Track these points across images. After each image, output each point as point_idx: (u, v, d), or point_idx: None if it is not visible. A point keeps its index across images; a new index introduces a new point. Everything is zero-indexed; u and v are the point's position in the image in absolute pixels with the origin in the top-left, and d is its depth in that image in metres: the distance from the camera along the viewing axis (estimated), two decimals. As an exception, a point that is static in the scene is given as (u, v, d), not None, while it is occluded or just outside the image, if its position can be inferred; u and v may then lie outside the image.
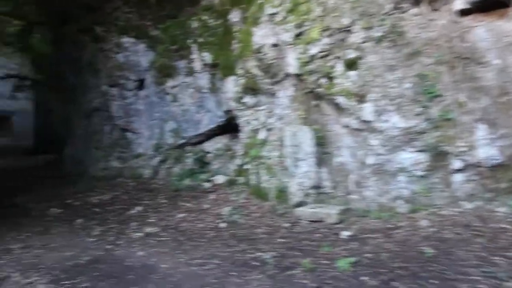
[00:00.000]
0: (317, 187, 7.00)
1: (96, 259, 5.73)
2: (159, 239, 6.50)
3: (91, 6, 11.87)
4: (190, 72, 9.83)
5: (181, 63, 9.95)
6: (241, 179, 8.43)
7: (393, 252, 5.08)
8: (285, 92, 7.61)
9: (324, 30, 6.68)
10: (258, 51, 7.74)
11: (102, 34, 11.57)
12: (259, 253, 5.47)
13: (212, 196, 8.42)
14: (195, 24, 9.72)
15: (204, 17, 9.57)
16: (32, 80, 21.26)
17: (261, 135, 8.09)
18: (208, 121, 9.94)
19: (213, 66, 9.43)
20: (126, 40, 10.85)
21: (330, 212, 6.45)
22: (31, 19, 18.70)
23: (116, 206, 8.78)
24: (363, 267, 4.73)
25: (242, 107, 8.66)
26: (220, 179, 9.21)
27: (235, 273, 4.90)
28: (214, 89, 9.60)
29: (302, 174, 7.01)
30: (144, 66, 10.65)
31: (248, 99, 8.46)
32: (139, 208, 8.29)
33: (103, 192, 10.06)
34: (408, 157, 6.29)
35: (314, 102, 7.24)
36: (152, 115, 10.67)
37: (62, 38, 14.31)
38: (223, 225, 6.88)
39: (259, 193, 7.63)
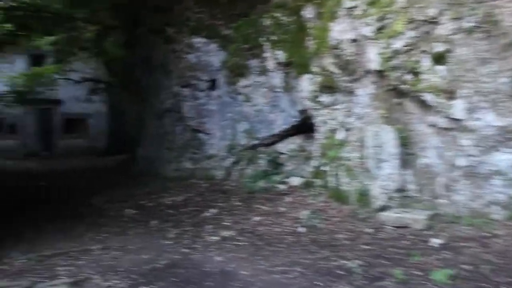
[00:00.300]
0: (401, 190, 6.57)
1: (173, 263, 5.59)
2: (236, 243, 6.29)
3: (162, 7, 11.93)
4: (263, 71, 9.62)
5: (254, 62, 9.75)
6: (318, 181, 8.08)
7: (494, 264, 4.61)
8: (365, 90, 7.23)
9: (408, 23, 6.23)
10: (335, 47, 7.40)
11: (173, 35, 11.59)
12: (344, 261, 5.13)
13: (288, 199, 8.15)
14: (267, 22, 9.49)
15: (277, 15, 9.32)
16: (106, 83, 21.85)
17: (340, 135, 7.73)
18: (282, 121, 9.69)
19: (287, 64, 9.16)
20: (198, 40, 10.79)
21: (417, 217, 6.02)
22: (106, 24, 19.19)
23: (190, 208, 8.68)
24: (462, 281, 4.30)
25: (318, 106, 8.34)
26: (295, 181, 8.92)
27: (320, 283, 4.59)
28: (288, 88, 9.33)
29: (385, 177, 6.61)
30: (216, 66, 10.54)
31: (325, 98, 8.13)
32: (214, 211, 8.14)
33: (176, 193, 10.03)
34: (504, 158, 5.75)
35: (396, 100, 6.81)
36: (224, 116, 10.54)
37: (134, 41, 14.53)
38: (302, 229, 6.59)
39: (339, 196, 7.27)
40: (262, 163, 10.02)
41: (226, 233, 6.68)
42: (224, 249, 6.02)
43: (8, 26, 18.38)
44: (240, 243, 6.27)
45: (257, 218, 7.36)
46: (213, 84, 10.73)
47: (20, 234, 7.01)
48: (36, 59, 25.55)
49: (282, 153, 10.02)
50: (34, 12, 18.20)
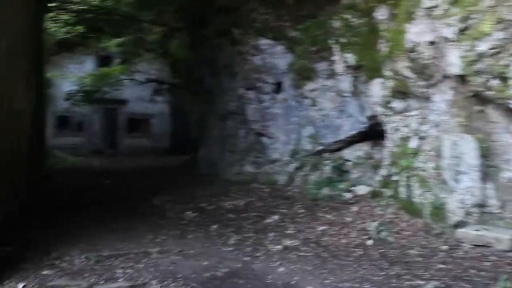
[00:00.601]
0: (481, 205, 6.05)
1: (234, 272, 5.34)
2: (300, 253, 5.98)
3: (228, 8, 11.80)
4: (331, 74, 9.28)
5: (322, 65, 9.42)
6: (387, 191, 7.64)
7: None
8: (442, 96, 6.74)
9: (496, 23, 5.72)
10: (411, 50, 6.96)
11: (239, 37, 11.43)
12: (419, 281, 4.73)
13: (354, 208, 7.76)
14: (336, 23, 9.14)
15: (347, 16, 8.96)
16: (170, 84, 22.08)
17: (413, 143, 7.27)
18: (349, 127, 9.30)
19: (357, 68, 8.78)
20: (264, 42, 10.56)
21: (500, 236, 5.51)
22: (171, 25, 19.37)
23: (251, 213, 8.44)
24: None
25: (389, 112, 7.91)
26: (362, 189, 8.51)
27: (394, 305, 4.22)
28: (357, 93, 8.94)
29: (463, 190, 6.11)
30: (282, 68, 10.28)
31: (397, 104, 7.69)
32: (276, 217, 7.86)
33: (237, 197, 9.83)
34: None
35: (477, 107, 6.30)
36: (289, 120, 10.25)
37: (199, 42, 14.50)
38: (370, 242, 6.21)
39: (410, 208, 6.81)
40: (327, 169, 9.66)
41: (289, 242, 6.39)
42: (287, 260, 5.73)
43: (79, 28, 18.93)
44: (304, 254, 5.96)
45: (322, 228, 7.03)
46: (278, 87, 10.48)
47: (81, 232, 6.97)
48: (104, 60, 26.24)
49: (347, 160, 9.63)
50: (103, 14, 18.63)
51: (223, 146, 12.72)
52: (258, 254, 6.01)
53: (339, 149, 9.76)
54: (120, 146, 28.43)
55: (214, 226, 7.57)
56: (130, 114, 28.34)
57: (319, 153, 9.84)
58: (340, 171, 9.57)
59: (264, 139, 11.03)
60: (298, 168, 10.05)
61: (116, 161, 23.76)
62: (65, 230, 7.04)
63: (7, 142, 6.34)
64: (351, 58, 8.76)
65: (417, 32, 6.79)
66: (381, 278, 4.92)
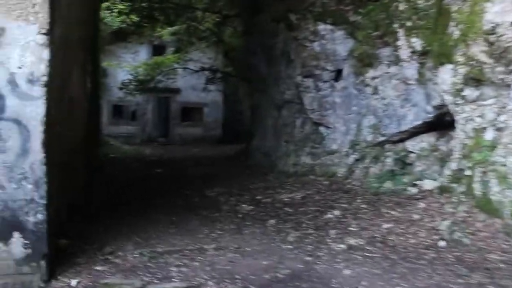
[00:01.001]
0: None
1: (296, 274, 4.95)
2: (366, 254, 5.53)
3: (284, -6, 11.36)
4: (395, 61, 8.67)
5: (385, 51, 8.83)
6: (458, 187, 7.03)
7: None
8: (525, 83, 6.10)
9: None
10: (490, 32, 6.31)
11: (296, 22, 10.95)
12: (505, 292, 4.21)
13: (421, 205, 7.19)
14: (401, 6, 8.52)
15: (413, -2, 8.34)
16: (223, 72, 21.86)
17: (488, 135, 6.63)
18: (413, 116, 8.68)
19: (423, 53, 8.15)
20: (323, 27, 10.05)
21: None
22: (225, 12, 19.10)
23: (310, 207, 8.02)
24: None
25: (460, 101, 7.26)
26: (428, 184, 7.92)
27: (481, 320, 3.73)
28: (423, 80, 8.31)
29: (550, 188, 5.49)
30: (342, 55, 9.75)
31: (470, 92, 7.04)
32: (336, 213, 7.41)
33: (294, 190, 9.43)
34: None
35: None
36: (349, 109, 9.73)
37: (253, 29, 14.14)
38: (442, 243, 5.69)
39: (487, 207, 6.20)
40: (389, 162, 9.09)
41: (353, 241, 5.94)
42: (353, 261, 5.30)
43: (134, 17, 18.95)
44: (370, 255, 5.51)
45: (387, 225, 6.53)
46: (338, 75, 9.95)
47: (134, 225, 6.77)
48: (158, 49, 26.38)
49: (411, 152, 9.01)
50: (157, 3, 18.58)
51: (278, 136, 12.34)
52: (320, 254, 5.60)
53: (401, 140, 9.15)
54: (173, 135, 28.58)
55: (272, 221, 7.21)
56: (183, 103, 28.42)
57: (381, 144, 9.27)
58: (403, 163, 8.98)
59: (322, 129, 10.54)
60: (358, 160, 9.52)
61: (169, 150, 23.85)
62: (118, 222, 6.85)
63: (67, 132, 6.20)
64: (418, 43, 8.13)
65: (498, 12, 6.14)
66: (461, 287, 4.42)
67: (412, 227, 6.37)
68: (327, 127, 10.36)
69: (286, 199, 8.78)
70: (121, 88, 21.92)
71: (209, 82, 21.98)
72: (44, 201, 4.39)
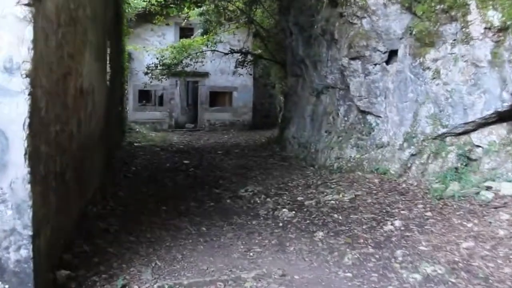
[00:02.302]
0: None
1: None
2: (450, 288, 4.29)
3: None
4: (464, 39, 7.27)
5: (451, 28, 7.44)
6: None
7: None
8: None
9: None
10: None
11: (340, -3, 9.63)
12: None
13: (503, 215, 5.86)
14: (473, -28, 7.13)
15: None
16: (254, 55, 20.55)
17: None
18: (483, 105, 7.30)
19: (501, 29, 6.76)
20: (373, 1, 8.65)
21: None
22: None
23: (363, 214, 6.77)
24: None
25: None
26: (506, 188, 6.58)
27: None
28: (498, 63, 6.92)
29: None
30: (397, 33, 8.36)
31: None
32: (397, 223, 6.14)
33: (340, 189, 8.18)
34: None
35: None
36: (404, 96, 8.38)
37: (289, 7, 12.81)
38: (549, 274, 4.40)
39: None
40: (451, 158, 7.75)
41: (429, 269, 4.67)
42: (436, 301, 4.07)
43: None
44: (456, 290, 4.26)
45: (467, 244, 5.24)
46: (391, 56, 8.60)
47: (155, 241, 5.65)
48: (185, 32, 25.26)
49: (477, 146, 7.68)
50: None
51: (317, 126, 11.08)
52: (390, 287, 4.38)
53: (465, 133, 7.81)
54: (201, 120, 27.52)
55: (320, 233, 5.99)
56: (211, 87, 27.26)
57: (441, 137, 7.92)
58: (468, 160, 7.65)
59: (370, 119, 9.22)
60: (414, 155, 8.19)
61: (197, 137, 22.83)
62: (136, 236, 5.74)
63: (78, 129, 5.12)
64: (495, 17, 6.74)
65: None
66: None
67: (500, 247, 5.07)
68: (377, 116, 9.04)
69: (332, 202, 7.54)
70: (146, 73, 20.81)
71: (239, 65, 20.65)
72: (29, 232, 3.28)
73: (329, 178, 9.01)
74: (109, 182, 8.83)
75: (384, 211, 6.78)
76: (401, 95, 8.39)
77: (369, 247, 5.43)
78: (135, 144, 16.48)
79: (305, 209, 7.28)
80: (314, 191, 8.37)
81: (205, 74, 26.34)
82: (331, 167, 9.57)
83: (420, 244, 5.36)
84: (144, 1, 18.62)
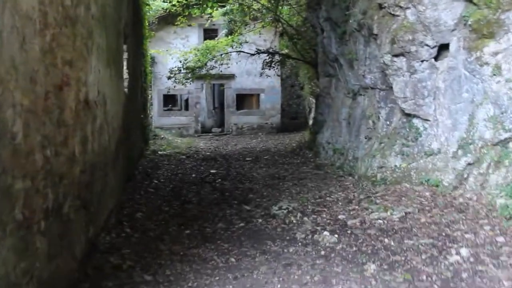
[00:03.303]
0: None
1: None
2: None
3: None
4: (532, 28, 6.22)
5: (514, 15, 6.39)
6: None
7: None
8: None
9: None
10: None
11: (378, -14, 8.60)
12: None
13: None
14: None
15: None
16: (282, 55, 19.58)
17: None
18: (556, 105, 6.24)
19: None
20: (419, -11, 7.63)
21: None
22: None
23: (418, 238, 5.75)
24: None
25: None
26: None
27: None
28: None
29: None
30: (448, 24, 7.28)
31: None
32: (463, 252, 5.09)
33: (387, 205, 7.17)
34: None
35: None
36: (458, 96, 7.31)
37: (319, 1, 11.81)
38: None
39: None
40: (516, 166, 6.68)
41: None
42: None
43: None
44: None
45: None
46: (441, 51, 7.53)
47: (174, 280, 4.75)
48: (209, 33, 24.55)
49: (547, 152, 6.60)
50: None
51: (355, 130, 10.06)
52: None
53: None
54: (228, 124, 26.72)
55: (371, 266, 4.98)
56: (238, 90, 26.43)
57: (504, 142, 6.85)
58: (536, 168, 6.57)
59: (417, 122, 8.16)
60: (471, 164, 7.12)
61: (224, 142, 22.05)
62: (152, 274, 4.84)
63: (82, 148, 4.27)
64: None
65: None
66: None
67: None
68: (425, 120, 7.98)
69: (379, 221, 6.54)
70: (169, 78, 20.03)
71: (266, 66, 19.66)
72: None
73: (373, 191, 7.99)
74: (128, 200, 8.00)
75: (443, 234, 5.74)
76: (453, 95, 7.32)
77: (436, 286, 4.41)
78: (159, 152, 15.69)
79: (349, 231, 6.29)
80: (356, 207, 7.36)
81: (231, 76, 25.55)
82: (374, 178, 8.54)
83: (501, 284, 4.32)
84: (164, 2, 17.82)
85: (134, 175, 10.46)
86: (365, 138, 9.41)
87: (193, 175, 11.77)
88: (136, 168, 11.64)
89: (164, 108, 26.02)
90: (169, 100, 26.35)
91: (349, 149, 10.21)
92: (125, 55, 9.95)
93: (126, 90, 9.83)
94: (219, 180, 11.02)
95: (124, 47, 9.87)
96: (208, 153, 17.14)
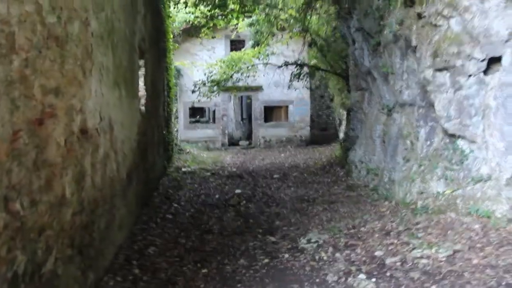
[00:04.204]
0: None
1: None
2: None
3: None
4: None
5: None
6: None
7: None
8: None
9: None
10: None
11: (417, -6, 7.76)
12: None
13: None
14: None
15: None
16: (311, 66, 18.78)
17: None
18: None
19: None
20: (464, -4, 6.75)
21: None
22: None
23: (472, 286, 4.89)
24: None
25: None
26: None
27: None
28: None
29: None
30: (500, 34, 6.35)
31: None
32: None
33: (431, 240, 6.29)
34: None
35: None
36: (511, 115, 6.39)
37: (350, 10, 11.01)
38: None
39: None
40: None
41: None
42: None
43: (204, 8, 16.43)
44: None
45: None
46: (491, 65, 6.63)
47: None
48: (236, 45, 24.04)
49: None
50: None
51: (391, 150, 9.19)
52: None
53: None
54: (256, 137, 26.01)
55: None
56: (265, 102, 25.72)
57: None
58: None
59: (462, 144, 7.24)
60: (528, 193, 6.22)
61: (252, 156, 21.35)
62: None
63: (85, 183, 3.62)
64: None
65: None
66: None
67: None
68: (471, 142, 7.07)
69: (424, 261, 5.67)
70: (193, 91, 19.40)
71: (295, 78, 18.84)
72: None
73: (413, 222, 7.10)
74: (141, 231, 7.31)
75: (503, 283, 4.85)
76: (507, 114, 6.40)
77: None
78: (183, 169, 15.04)
79: (388, 274, 5.45)
80: (395, 241, 6.50)
81: (258, 88, 24.88)
82: (413, 205, 7.65)
83: None
84: (187, 13, 17.26)
85: (152, 198, 9.80)
86: (403, 159, 8.53)
87: (217, 196, 11.07)
88: (157, 188, 10.99)
89: (191, 120, 25.49)
90: (196, 113, 25.81)
91: (385, 170, 9.33)
92: (142, 71, 9.35)
93: (142, 108, 9.21)
94: (244, 202, 10.29)
95: (141, 62, 9.27)
96: (234, 169, 16.44)
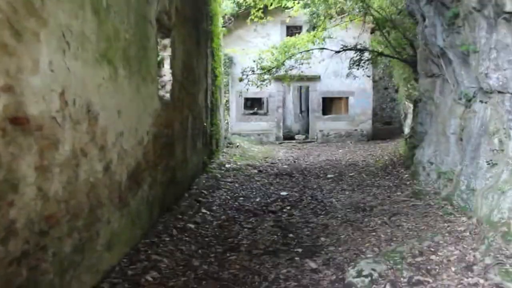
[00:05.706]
0: None
1: None
2: None
3: None
4: None
5: None
6: None
7: None
8: None
9: None
10: None
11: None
12: None
13: None
14: None
15: None
16: (373, 51, 16.79)
17: None
18: None
19: None
20: None
21: None
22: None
23: None
24: None
25: None
26: None
27: None
28: None
29: None
30: None
31: None
32: None
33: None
34: None
35: None
36: None
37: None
38: None
39: None
40: None
41: None
42: None
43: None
44: None
45: None
46: None
47: None
48: (292, 30, 22.38)
49: None
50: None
51: (471, 149, 7.27)
52: None
53: None
54: (313, 130, 24.28)
55: None
56: (323, 93, 23.90)
57: None
58: None
59: None
60: None
61: (307, 151, 19.71)
62: None
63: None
64: None
65: None
66: None
67: None
68: None
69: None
70: (240, 80, 17.83)
71: (355, 65, 16.87)
72: None
73: (507, 252, 5.23)
74: (147, 246, 5.83)
75: None
76: None
77: None
78: (227, 165, 13.58)
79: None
80: (481, 281, 4.66)
81: (316, 78, 23.09)
82: (505, 227, 5.72)
83: None
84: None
85: (179, 202, 8.36)
86: (487, 164, 6.60)
87: (257, 199, 9.52)
88: (189, 189, 9.55)
89: (244, 112, 23.99)
90: (250, 104, 24.29)
91: (461, 175, 7.42)
92: (168, 52, 7.91)
93: (167, 95, 7.78)
94: (288, 208, 8.73)
95: (166, 41, 7.83)
96: (285, 166, 14.85)
